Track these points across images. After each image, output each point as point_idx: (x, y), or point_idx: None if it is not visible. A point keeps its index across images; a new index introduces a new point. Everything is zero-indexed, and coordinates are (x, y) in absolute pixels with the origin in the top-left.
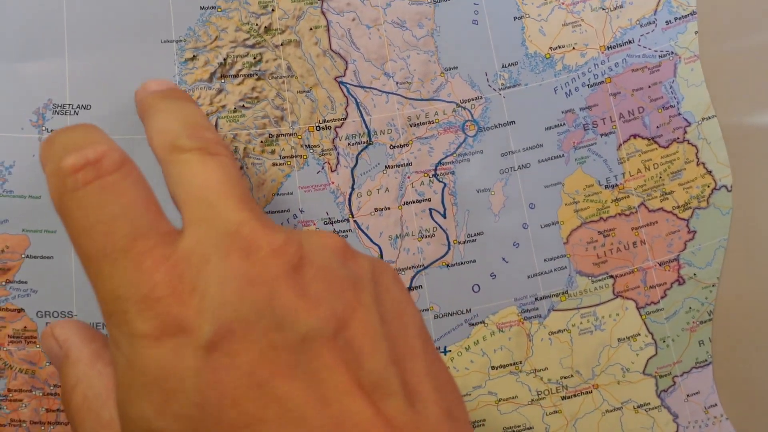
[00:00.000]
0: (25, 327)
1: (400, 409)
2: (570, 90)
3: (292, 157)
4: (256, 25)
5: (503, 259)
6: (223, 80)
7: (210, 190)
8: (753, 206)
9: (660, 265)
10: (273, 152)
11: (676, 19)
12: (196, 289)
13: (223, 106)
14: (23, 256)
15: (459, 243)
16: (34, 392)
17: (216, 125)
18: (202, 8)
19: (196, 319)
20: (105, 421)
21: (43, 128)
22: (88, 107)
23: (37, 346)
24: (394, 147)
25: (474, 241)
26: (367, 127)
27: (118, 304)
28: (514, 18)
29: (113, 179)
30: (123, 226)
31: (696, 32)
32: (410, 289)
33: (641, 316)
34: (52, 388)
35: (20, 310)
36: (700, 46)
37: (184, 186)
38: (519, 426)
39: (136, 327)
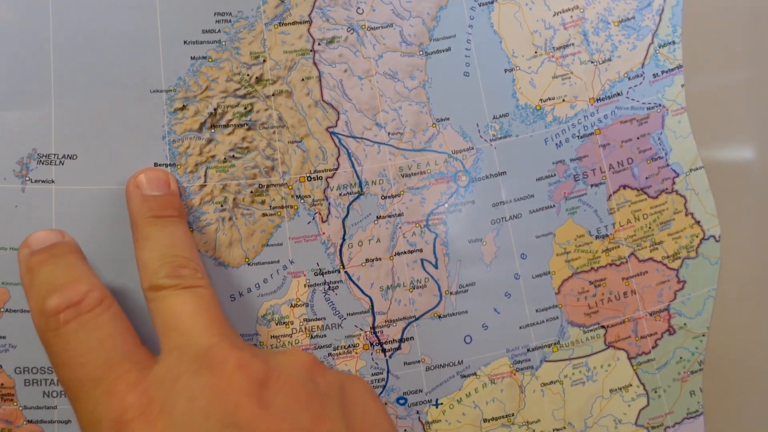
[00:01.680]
0: (2, 384)
1: None
2: (560, 141)
3: (282, 207)
4: (248, 75)
5: (495, 309)
6: (213, 130)
7: (182, 320)
8: (741, 256)
9: (651, 315)
10: (263, 202)
11: (663, 72)
12: (164, 408)
13: (213, 156)
14: (2, 309)
15: (451, 294)
16: None
17: (205, 175)
18: (192, 58)
19: None
20: None
21: (27, 178)
22: (74, 157)
23: (15, 404)
24: (385, 197)
25: (466, 291)
26: (358, 177)
27: (93, 427)
28: (505, 70)
29: (91, 315)
30: (98, 357)
31: (682, 85)
32: (401, 340)
33: (633, 366)
34: None
35: None
36: (686, 99)
37: (161, 318)
38: None
39: None
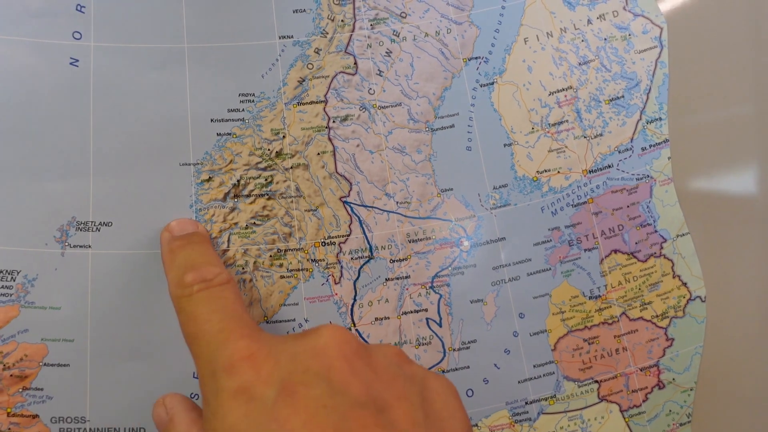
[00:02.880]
0: None
1: None
2: (556, 209)
3: (298, 270)
4: (268, 150)
5: (495, 365)
6: (236, 199)
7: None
8: (725, 316)
9: (641, 370)
10: (281, 266)
11: (650, 146)
12: (270, 356)
13: (236, 224)
14: (41, 364)
15: (454, 350)
16: None
17: (228, 241)
18: (218, 135)
19: (265, 380)
20: None
21: (66, 244)
22: (110, 224)
23: None
24: (393, 261)
25: (468, 348)
26: (369, 242)
27: (210, 367)
28: (504, 145)
29: (218, 289)
30: (220, 316)
31: (669, 158)
32: None
33: (624, 418)
34: None
35: (35, 416)
36: (673, 170)
37: None
38: None
39: (221, 384)
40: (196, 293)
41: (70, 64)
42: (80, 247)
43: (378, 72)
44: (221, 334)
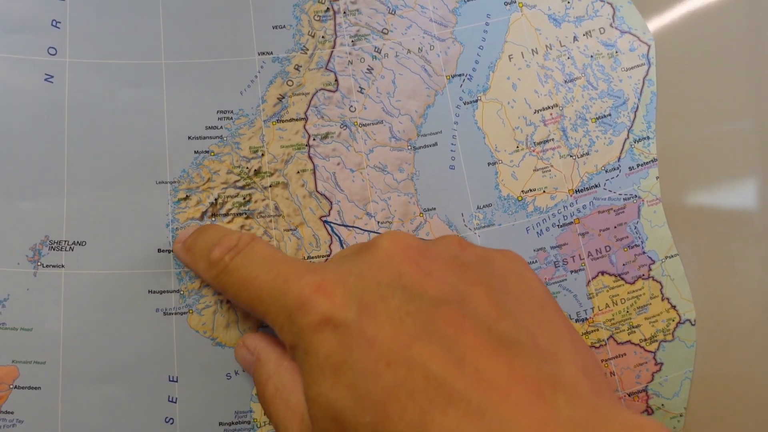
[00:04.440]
0: None
1: (535, 366)
2: (541, 230)
3: None
4: (247, 168)
5: None
6: (213, 218)
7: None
8: (716, 339)
9: (629, 395)
10: None
11: (638, 165)
12: (337, 281)
13: None
14: (11, 386)
15: None
16: None
17: None
18: (196, 152)
19: (342, 305)
20: (293, 405)
21: (39, 263)
22: (84, 243)
23: None
24: None
25: None
26: None
27: (283, 314)
28: (488, 164)
29: (249, 248)
30: (266, 267)
31: (657, 177)
32: None
33: None
34: None
35: None
36: (661, 190)
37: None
38: None
39: (301, 323)
40: (230, 262)
41: (45, 80)
42: (53, 266)
43: (359, 89)
44: (278, 280)
